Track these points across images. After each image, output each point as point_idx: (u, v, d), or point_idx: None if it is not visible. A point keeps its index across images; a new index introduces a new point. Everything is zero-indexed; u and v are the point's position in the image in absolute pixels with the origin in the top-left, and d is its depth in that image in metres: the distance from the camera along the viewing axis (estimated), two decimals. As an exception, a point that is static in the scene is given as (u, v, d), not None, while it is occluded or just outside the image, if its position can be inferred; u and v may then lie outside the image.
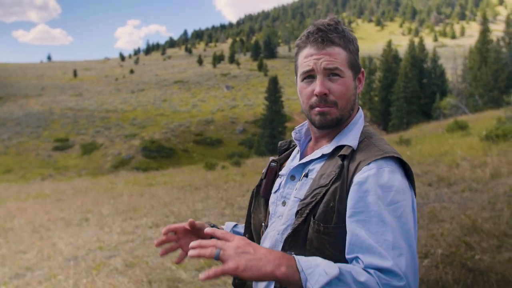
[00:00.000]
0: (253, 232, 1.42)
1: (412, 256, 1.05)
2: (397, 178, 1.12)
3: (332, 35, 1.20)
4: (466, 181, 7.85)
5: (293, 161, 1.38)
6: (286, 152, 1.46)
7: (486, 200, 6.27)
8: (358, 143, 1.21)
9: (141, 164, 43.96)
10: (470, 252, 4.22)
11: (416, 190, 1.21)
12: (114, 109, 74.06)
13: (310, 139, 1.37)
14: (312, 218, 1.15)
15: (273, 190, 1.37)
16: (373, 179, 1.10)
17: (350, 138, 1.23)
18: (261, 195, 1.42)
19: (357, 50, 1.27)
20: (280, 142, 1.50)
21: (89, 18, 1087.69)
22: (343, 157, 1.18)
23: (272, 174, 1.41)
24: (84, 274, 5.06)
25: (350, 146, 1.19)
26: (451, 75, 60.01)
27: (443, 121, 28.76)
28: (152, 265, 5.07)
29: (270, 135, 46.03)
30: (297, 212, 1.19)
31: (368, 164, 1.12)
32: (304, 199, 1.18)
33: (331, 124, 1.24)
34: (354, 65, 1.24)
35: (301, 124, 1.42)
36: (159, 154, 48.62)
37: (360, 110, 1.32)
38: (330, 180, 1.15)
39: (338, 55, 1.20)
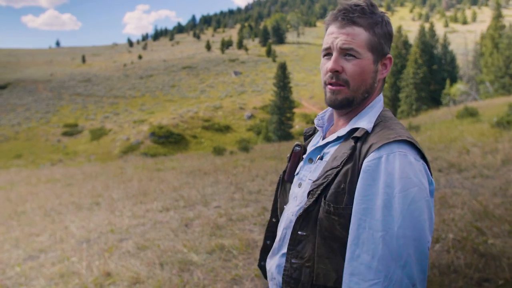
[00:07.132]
0: (280, 216, 1.44)
1: (406, 267, 1.01)
2: (410, 162, 1.07)
3: (355, 15, 1.19)
4: (477, 167, 7.80)
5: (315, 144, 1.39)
6: (311, 138, 1.47)
7: (498, 186, 6.24)
8: (374, 126, 1.19)
9: (149, 150, 44.25)
10: (481, 237, 4.22)
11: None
12: (122, 95, 74.21)
13: (333, 124, 1.37)
14: (323, 199, 1.14)
15: (295, 173, 1.39)
16: (383, 165, 1.06)
17: (366, 120, 1.20)
18: (285, 179, 1.43)
19: (386, 34, 1.24)
20: (305, 129, 1.50)
21: (98, 2, 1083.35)
22: (357, 139, 1.16)
23: (296, 158, 1.43)
24: (96, 256, 5.13)
25: (364, 129, 1.17)
26: (462, 61, 59.35)
27: (453, 108, 28.49)
28: (164, 248, 5.11)
29: (278, 121, 45.85)
30: (309, 193, 1.19)
31: (379, 148, 1.09)
32: (317, 180, 1.19)
33: (341, 104, 1.23)
34: (376, 49, 1.21)
35: (323, 111, 1.42)
36: (167, 140, 48.80)
37: (381, 95, 1.29)
38: (342, 162, 1.14)
39: (357, 36, 1.18)
